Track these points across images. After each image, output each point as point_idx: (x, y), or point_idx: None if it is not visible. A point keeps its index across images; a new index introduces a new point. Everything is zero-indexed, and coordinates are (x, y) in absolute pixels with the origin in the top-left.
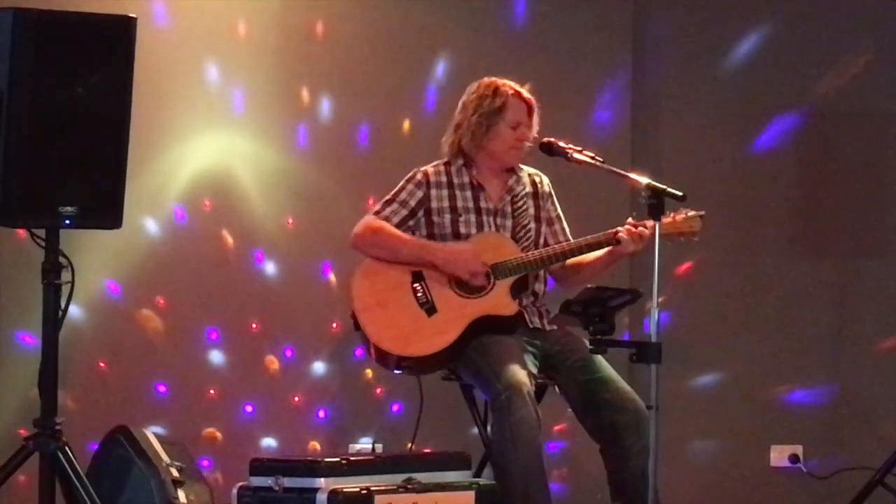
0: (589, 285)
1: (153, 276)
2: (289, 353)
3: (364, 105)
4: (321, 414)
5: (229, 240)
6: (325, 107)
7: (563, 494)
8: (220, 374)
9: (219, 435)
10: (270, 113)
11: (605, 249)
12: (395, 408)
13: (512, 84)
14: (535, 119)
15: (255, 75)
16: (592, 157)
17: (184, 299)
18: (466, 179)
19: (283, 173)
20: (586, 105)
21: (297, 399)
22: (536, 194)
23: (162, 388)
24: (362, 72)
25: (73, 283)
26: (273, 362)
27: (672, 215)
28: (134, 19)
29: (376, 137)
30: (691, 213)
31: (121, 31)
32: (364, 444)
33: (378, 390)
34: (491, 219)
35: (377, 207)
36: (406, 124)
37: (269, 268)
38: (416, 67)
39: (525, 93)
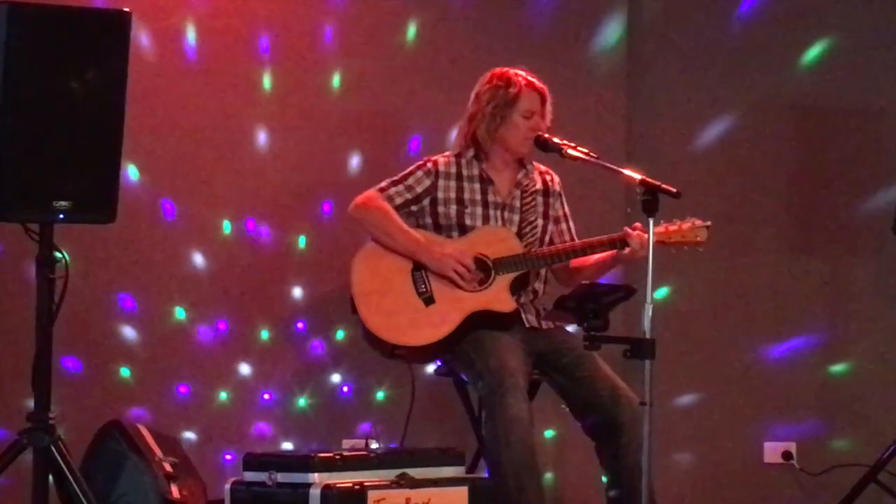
0: (583, 282)
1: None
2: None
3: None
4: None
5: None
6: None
7: (556, 490)
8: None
9: None
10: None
11: (609, 252)
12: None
13: (524, 73)
14: (548, 108)
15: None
16: (587, 153)
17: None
18: (476, 172)
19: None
20: (581, 100)
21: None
22: (546, 192)
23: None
24: None
25: (66, 277)
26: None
27: (678, 223)
28: (129, 13)
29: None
30: (697, 223)
31: (116, 26)
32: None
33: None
34: (498, 212)
35: (383, 184)
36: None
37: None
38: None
39: (538, 82)
